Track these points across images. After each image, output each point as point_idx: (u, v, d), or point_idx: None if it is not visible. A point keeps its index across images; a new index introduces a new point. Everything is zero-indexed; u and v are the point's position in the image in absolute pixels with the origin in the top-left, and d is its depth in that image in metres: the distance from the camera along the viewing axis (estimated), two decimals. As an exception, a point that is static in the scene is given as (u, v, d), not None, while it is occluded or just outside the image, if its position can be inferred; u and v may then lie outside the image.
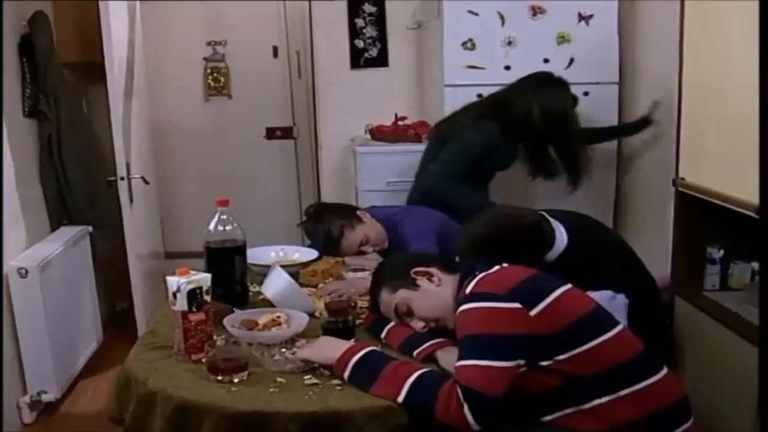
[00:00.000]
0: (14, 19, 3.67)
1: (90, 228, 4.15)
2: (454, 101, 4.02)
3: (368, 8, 4.65)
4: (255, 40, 5.52)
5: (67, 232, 3.98)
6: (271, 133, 5.69)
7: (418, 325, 2.15)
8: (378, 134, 4.35)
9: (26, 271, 3.44)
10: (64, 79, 4.07)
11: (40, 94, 3.86)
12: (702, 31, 2.54)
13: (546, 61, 4.00)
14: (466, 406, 1.75)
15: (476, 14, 3.99)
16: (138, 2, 4.48)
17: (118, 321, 4.64)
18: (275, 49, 5.55)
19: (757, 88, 2.11)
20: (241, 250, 2.57)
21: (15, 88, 3.71)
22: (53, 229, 4.01)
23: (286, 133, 5.69)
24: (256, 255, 2.90)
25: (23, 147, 3.75)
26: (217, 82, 5.60)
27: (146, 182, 4.22)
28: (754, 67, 2.13)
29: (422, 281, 2.16)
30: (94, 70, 4.03)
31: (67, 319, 3.82)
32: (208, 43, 5.54)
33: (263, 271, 2.68)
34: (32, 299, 3.47)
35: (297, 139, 5.65)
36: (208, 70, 5.58)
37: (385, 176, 4.16)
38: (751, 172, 2.17)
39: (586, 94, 3.99)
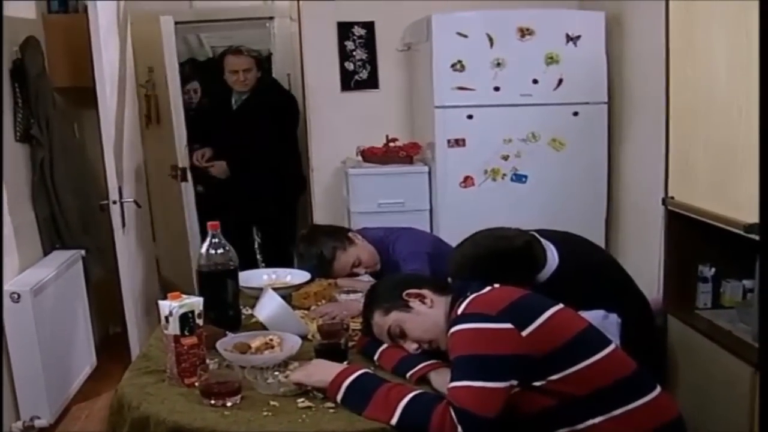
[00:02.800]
0: (6, 45, 3.67)
1: (83, 252, 4.14)
2: (444, 122, 4.06)
3: (358, 31, 4.67)
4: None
5: (60, 256, 3.97)
6: (173, 173, 4.86)
7: (411, 346, 2.14)
8: (369, 156, 4.37)
9: (19, 296, 3.42)
10: (56, 104, 4.07)
11: (31, 118, 3.86)
12: (687, 50, 2.56)
13: (535, 82, 4.03)
14: (460, 428, 1.75)
15: (465, 36, 4.02)
16: (129, 25, 4.50)
17: (111, 345, 4.62)
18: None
19: (744, 106, 2.13)
20: (233, 273, 2.57)
21: (7, 113, 3.71)
22: (46, 253, 4.00)
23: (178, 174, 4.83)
24: (247, 278, 2.90)
25: (15, 171, 3.75)
26: (148, 111, 5.16)
27: (139, 206, 4.22)
28: (740, 86, 2.16)
29: (415, 303, 2.16)
30: (85, 94, 4.03)
31: (60, 343, 3.80)
32: (149, 69, 5.10)
33: (255, 294, 2.68)
34: (25, 324, 3.46)
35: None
36: (144, 98, 5.13)
37: (377, 198, 4.19)
38: (740, 190, 2.19)
39: (575, 114, 4.04)
